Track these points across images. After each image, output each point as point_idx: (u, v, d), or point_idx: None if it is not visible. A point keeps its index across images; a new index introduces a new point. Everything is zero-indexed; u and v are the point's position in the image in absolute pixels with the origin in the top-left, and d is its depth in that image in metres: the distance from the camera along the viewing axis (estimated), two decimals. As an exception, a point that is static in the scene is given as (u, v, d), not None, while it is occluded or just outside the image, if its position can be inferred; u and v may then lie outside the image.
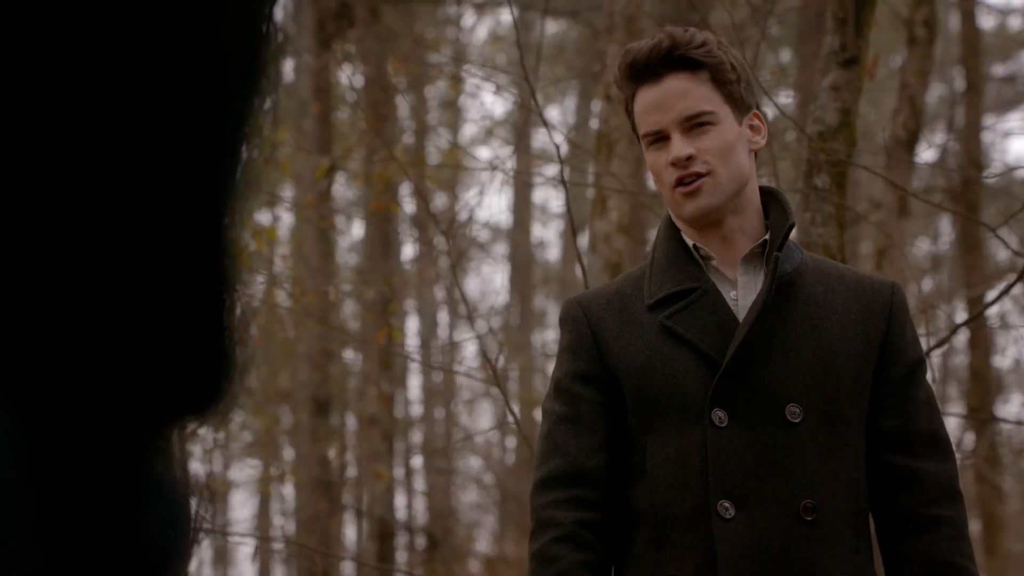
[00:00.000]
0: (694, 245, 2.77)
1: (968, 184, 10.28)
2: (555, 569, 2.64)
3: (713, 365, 2.66)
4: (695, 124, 2.70)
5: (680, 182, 2.69)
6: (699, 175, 2.69)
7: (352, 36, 11.69)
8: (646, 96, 2.74)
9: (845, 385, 2.68)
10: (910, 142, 8.37)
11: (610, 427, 2.72)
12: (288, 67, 14.46)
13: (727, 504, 2.62)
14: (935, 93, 16.73)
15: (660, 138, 2.72)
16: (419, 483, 17.53)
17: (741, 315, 2.71)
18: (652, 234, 9.79)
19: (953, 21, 14.98)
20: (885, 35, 11.67)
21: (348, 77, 10.64)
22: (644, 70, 2.73)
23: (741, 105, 2.75)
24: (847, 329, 2.72)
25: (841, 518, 2.65)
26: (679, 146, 2.69)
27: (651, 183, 10.55)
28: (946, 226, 17.55)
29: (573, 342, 2.78)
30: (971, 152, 11.79)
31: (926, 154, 10.66)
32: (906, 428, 2.73)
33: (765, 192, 2.82)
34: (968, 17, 12.41)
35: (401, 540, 14.50)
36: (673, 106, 2.70)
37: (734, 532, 2.61)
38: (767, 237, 2.75)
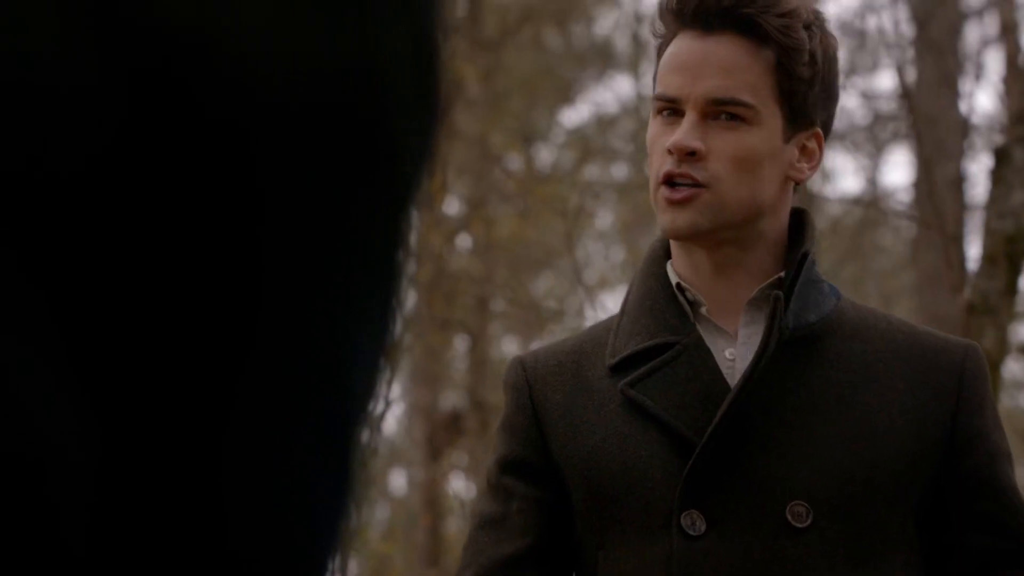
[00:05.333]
0: (678, 284, 2.00)
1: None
2: None
3: (690, 450, 1.90)
4: (722, 113, 1.93)
5: (668, 180, 1.92)
6: (694, 183, 1.91)
7: (462, 446, 11.76)
8: (679, 47, 1.96)
9: (883, 478, 1.90)
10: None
11: (548, 533, 1.98)
12: (399, 480, 14.53)
13: None
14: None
15: (673, 110, 1.96)
16: None
17: (736, 381, 1.94)
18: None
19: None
20: None
21: (458, 488, 10.65)
22: (693, 11, 1.94)
23: (800, 115, 1.96)
24: (891, 402, 1.93)
25: None
26: (687, 132, 1.92)
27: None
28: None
29: (508, 418, 2.03)
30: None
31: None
32: (1005, 547, 1.93)
33: (795, 215, 2.05)
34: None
35: None
36: (706, 77, 1.93)
37: None
38: (782, 275, 1.98)
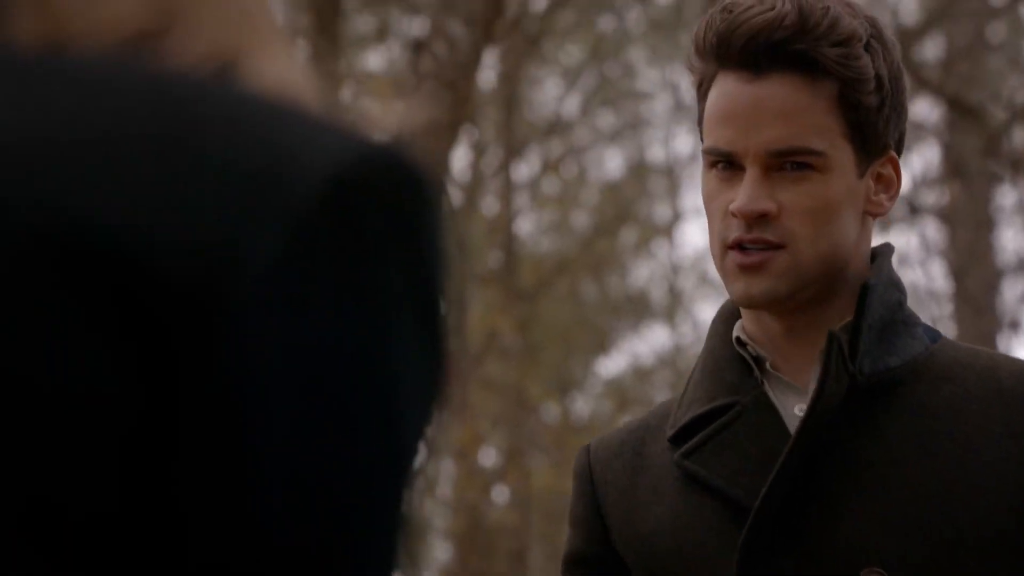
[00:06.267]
0: (736, 338, 1.75)
1: None
2: None
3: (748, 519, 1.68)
4: (787, 163, 1.67)
5: (739, 244, 1.66)
6: (769, 245, 1.65)
7: None
8: (728, 92, 1.68)
9: (976, 535, 1.63)
10: None
11: None
12: None
13: None
14: None
15: (728, 163, 1.68)
16: None
17: None
18: None
19: None
20: None
21: None
22: (740, 52, 1.66)
23: (872, 144, 1.70)
24: (982, 448, 1.65)
25: None
26: (752, 194, 1.65)
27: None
28: None
29: (572, 508, 1.83)
30: None
31: None
32: None
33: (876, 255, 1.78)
34: None
35: None
36: (763, 127, 1.66)
37: None
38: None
